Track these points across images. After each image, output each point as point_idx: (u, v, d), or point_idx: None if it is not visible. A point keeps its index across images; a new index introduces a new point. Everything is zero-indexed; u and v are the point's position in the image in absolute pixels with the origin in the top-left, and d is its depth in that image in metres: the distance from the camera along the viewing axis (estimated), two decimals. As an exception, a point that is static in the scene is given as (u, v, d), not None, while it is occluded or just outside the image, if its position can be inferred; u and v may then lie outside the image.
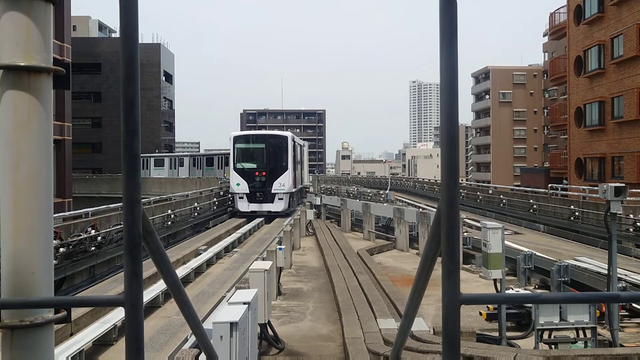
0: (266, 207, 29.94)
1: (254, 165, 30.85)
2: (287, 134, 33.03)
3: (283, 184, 30.42)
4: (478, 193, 33.73)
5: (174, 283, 1.49)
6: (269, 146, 31.42)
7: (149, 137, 66.05)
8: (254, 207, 29.90)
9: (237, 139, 31.57)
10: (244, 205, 30.13)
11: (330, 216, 32.35)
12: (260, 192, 30.15)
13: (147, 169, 56.65)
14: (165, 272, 1.44)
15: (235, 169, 30.83)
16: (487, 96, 77.81)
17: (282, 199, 30.35)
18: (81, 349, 8.58)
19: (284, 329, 10.53)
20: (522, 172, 57.17)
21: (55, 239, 13.51)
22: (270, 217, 29.48)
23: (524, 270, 15.14)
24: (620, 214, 15.16)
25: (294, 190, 32.35)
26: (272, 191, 30.20)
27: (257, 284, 9.12)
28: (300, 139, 41.81)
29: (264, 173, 30.49)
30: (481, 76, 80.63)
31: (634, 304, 11.77)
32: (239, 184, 30.28)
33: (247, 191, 30.06)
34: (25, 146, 1.69)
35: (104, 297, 1.35)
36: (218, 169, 46.25)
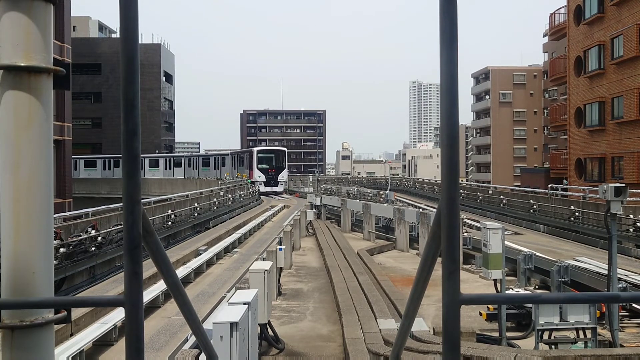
0: (274, 189, 52.20)
1: (267, 166, 52.98)
2: (284, 148, 58.17)
3: (283, 176, 54.31)
4: (478, 193, 33.70)
5: (174, 283, 1.48)
6: (275, 155, 54.18)
7: (149, 138, 66.08)
8: (268, 189, 51.34)
9: (258, 152, 54.11)
10: (262, 188, 50.52)
11: (330, 216, 32.34)
12: (271, 181, 52.53)
13: (195, 169, 61.18)
14: (165, 272, 1.44)
15: (257, 168, 52.33)
16: (487, 96, 77.78)
17: (282, 184, 54.17)
18: (81, 349, 8.59)
19: (284, 329, 10.53)
20: (522, 173, 57.13)
21: (55, 239, 13.50)
22: (275, 194, 51.11)
23: (524, 270, 15.12)
24: (620, 214, 15.17)
25: (287, 180, 58.96)
26: (277, 180, 53.09)
27: (257, 284, 9.12)
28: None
29: (273, 170, 53.01)
30: (481, 76, 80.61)
31: (634, 304, 11.77)
32: (260, 176, 51.98)
33: (265, 180, 52.08)
34: (25, 146, 1.69)
35: (104, 298, 1.35)
36: (246, 168, 57.27)
